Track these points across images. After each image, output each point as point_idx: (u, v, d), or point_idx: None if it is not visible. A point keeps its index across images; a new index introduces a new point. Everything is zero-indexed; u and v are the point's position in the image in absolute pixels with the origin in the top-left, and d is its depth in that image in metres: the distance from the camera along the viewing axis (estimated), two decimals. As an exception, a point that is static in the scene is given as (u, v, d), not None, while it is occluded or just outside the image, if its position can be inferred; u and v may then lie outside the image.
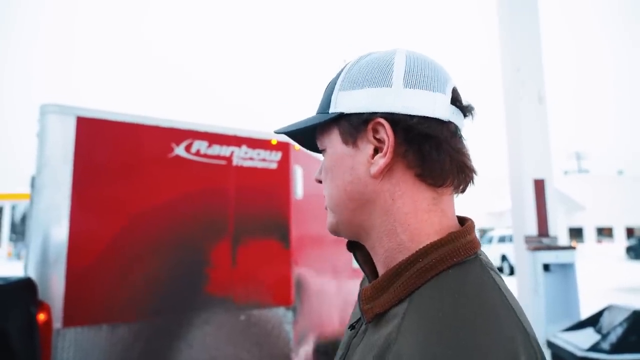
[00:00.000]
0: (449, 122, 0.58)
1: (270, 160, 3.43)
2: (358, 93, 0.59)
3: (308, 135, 0.70)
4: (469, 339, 0.46)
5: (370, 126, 0.58)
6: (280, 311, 3.29)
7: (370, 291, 0.59)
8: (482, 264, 0.56)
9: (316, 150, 0.72)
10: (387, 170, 0.58)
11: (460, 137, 0.61)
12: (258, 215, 3.33)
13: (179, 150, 3.08)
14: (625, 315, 2.93)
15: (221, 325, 3.06)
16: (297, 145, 3.62)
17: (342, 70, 0.65)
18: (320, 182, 0.69)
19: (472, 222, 0.62)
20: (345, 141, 0.61)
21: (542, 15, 5.48)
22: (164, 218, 2.96)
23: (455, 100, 0.60)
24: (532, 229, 4.79)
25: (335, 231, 0.67)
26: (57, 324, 2.46)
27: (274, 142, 3.46)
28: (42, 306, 2.36)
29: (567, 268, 4.63)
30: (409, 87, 0.57)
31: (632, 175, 33.82)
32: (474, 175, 0.61)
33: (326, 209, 0.68)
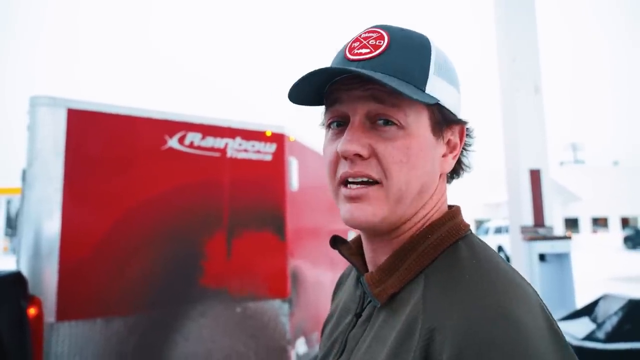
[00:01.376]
0: None
1: (265, 152, 3.40)
2: (448, 88, 0.60)
3: (321, 85, 0.59)
4: (504, 289, 0.50)
5: (456, 129, 0.62)
6: (276, 303, 3.28)
7: (377, 275, 0.58)
8: (478, 237, 0.61)
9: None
10: None
11: None
12: (253, 207, 3.31)
13: (172, 143, 3.04)
14: (620, 304, 2.94)
15: (217, 318, 3.05)
16: (291, 136, 3.58)
17: (426, 43, 0.59)
18: (360, 156, 0.56)
19: (458, 206, 0.67)
20: (434, 131, 0.59)
21: (539, 5, 5.44)
22: (158, 211, 2.93)
23: None
24: (528, 220, 4.81)
25: (380, 224, 0.57)
26: (50, 318, 2.44)
27: (268, 133, 3.42)
28: (33, 300, 2.33)
29: (562, 258, 4.64)
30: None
31: (628, 166, 33.96)
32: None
33: (355, 198, 0.56)
